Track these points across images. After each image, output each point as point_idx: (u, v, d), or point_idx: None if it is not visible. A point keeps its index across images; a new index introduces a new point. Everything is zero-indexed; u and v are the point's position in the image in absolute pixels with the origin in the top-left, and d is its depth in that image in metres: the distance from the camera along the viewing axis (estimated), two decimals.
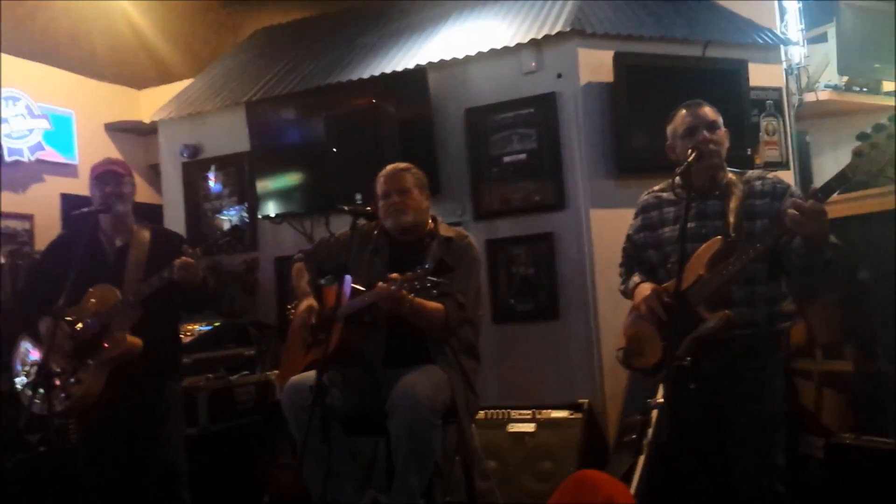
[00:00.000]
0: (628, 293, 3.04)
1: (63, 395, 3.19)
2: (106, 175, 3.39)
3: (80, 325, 3.23)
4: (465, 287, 3.13)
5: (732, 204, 2.77)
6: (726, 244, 2.70)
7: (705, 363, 2.65)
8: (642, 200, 3.09)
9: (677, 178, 2.79)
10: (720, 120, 2.87)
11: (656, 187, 3.06)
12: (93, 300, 3.27)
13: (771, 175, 2.87)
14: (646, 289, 2.87)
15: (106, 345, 3.19)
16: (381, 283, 2.92)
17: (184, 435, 3.48)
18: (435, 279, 2.78)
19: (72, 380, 3.20)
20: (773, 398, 2.79)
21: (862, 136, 2.41)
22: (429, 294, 2.82)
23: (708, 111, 2.86)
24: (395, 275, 2.88)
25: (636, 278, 2.99)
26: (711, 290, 2.67)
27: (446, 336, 3.11)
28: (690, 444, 2.81)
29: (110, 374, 3.19)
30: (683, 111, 2.89)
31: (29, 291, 3.52)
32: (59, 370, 3.20)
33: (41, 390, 3.03)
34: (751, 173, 2.89)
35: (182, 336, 4.11)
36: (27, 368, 3.35)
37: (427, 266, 2.82)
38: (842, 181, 2.43)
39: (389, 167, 3.31)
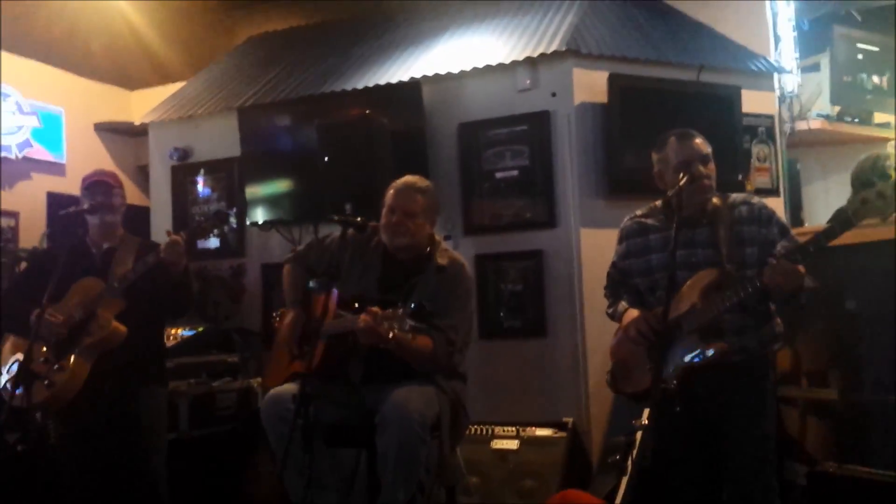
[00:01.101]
0: (616, 317, 3.03)
1: (46, 382, 3.17)
2: (96, 185, 3.42)
3: (66, 317, 3.23)
4: (455, 321, 3.09)
5: (722, 232, 2.77)
6: (720, 274, 2.70)
7: (698, 387, 2.66)
8: (625, 226, 3.08)
9: (658, 204, 2.81)
10: (710, 150, 2.85)
11: (639, 212, 3.04)
12: (76, 293, 3.29)
13: (755, 200, 2.88)
14: (634, 314, 2.87)
15: (90, 329, 3.20)
16: (362, 316, 2.88)
17: (165, 441, 3.46)
18: (413, 323, 2.76)
19: (55, 367, 3.19)
20: (768, 419, 2.79)
21: (863, 181, 2.44)
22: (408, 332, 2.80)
23: (700, 144, 2.83)
24: (375, 308, 2.84)
25: (624, 304, 2.98)
26: (706, 320, 2.68)
27: (433, 370, 3.07)
28: (679, 467, 2.81)
29: (94, 364, 3.18)
30: (674, 141, 2.85)
31: (16, 292, 3.50)
32: (42, 360, 3.21)
33: (21, 385, 3.02)
34: (734, 197, 2.88)
35: (165, 340, 4.08)
36: (10, 366, 3.31)
37: (408, 308, 2.78)
38: (845, 228, 2.45)
39: (405, 182, 3.21)
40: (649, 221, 2.97)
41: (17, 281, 3.72)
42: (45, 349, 3.23)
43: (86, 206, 3.40)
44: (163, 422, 3.46)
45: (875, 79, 5.64)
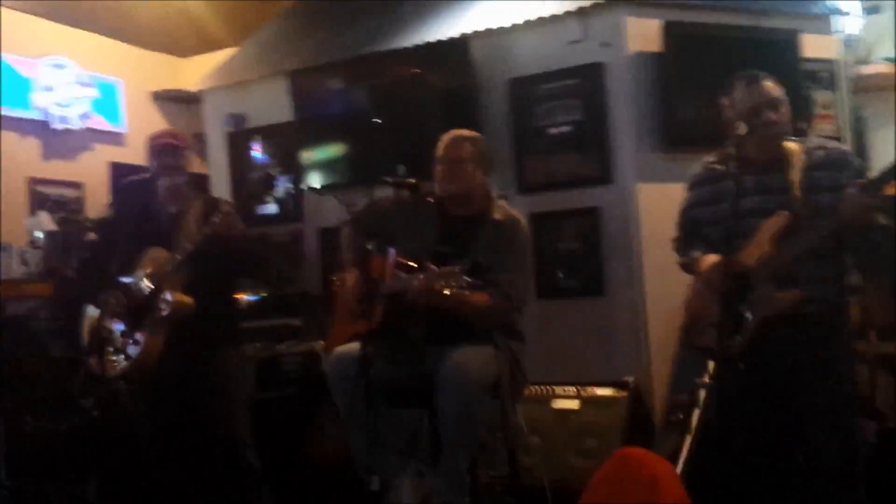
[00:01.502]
0: (690, 267, 2.94)
1: (122, 356, 3.27)
2: (164, 147, 3.43)
3: (136, 290, 3.29)
4: (513, 276, 3.09)
5: (795, 177, 2.67)
6: (793, 219, 2.61)
7: (772, 342, 2.60)
8: (695, 173, 2.99)
9: (732, 151, 2.71)
10: (782, 93, 2.76)
11: (710, 158, 2.94)
12: (146, 264, 3.33)
13: (831, 144, 2.79)
14: (712, 258, 2.77)
15: (158, 304, 3.25)
16: (419, 276, 2.89)
17: (245, 400, 3.49)
18: (468, 280, 2.76)
19: (129, 342, 3.27)
20: (846, 376, 2.72)
21: None
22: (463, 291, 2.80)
23: (770, 87, 2.75)
24: (433, 266, 2.86)
25: (698, 252, 2.89)
26: (778, 268, 2.60)
27: (491, 327, 3.08)
28: (748, 426, 2.75)
29: (168, 336, 3.24)
30: (742, 86, 2.76)
31: (88, 264, 3.59)
32: (118, 333, 3.29)
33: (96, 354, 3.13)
34: (811, 142, 2.80)
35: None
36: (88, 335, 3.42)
37: (464, 265, 2.80)
38: (886, 179, 2.40)
39: (451, 133, 3.26)
40: (720, 168, 2.87)
41: (88, 253, 3.80)
42: (118, 321, 3.31)
43: (153, 168, 3.43)
44: (239, 385, 3.47)
45: None
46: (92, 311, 3.42)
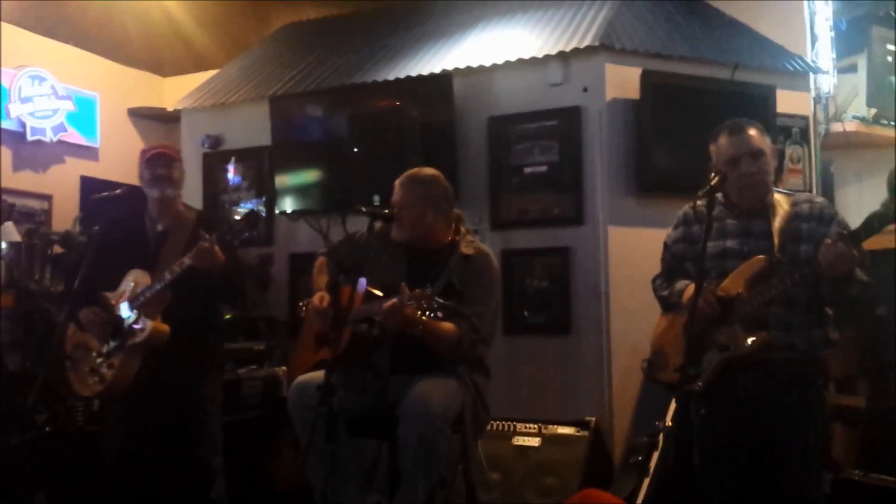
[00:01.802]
0: (672, 299, 2.93)
1: (97, 378, 3.23)
2: (157, 157, 3.39)
3: (115, 311, 3.25)
4: (480, 308, 3.08)
5: (777, 224, 2.70)
6: (769, 264, 2.64)
7: (741, 384, 2.61)
8: (684, 212, 3.00)
9: (719, 196, 2.75)
10: (766, 143, 2.78)
11: (698, 200, 2.90)
12: (125, 287, 3.29)
13: (818, 199, 2.80)
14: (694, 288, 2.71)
15: (135, 330, 3.20)
16: (391, 300, 2.88)
17: (220, 426, 3.43)
18: (441, 301, 2.75)
19: (106, 364, 3.23)
20: (814, 428, 2.68)
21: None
22: (435, 315, 2.79)
23: (752, 137, 2.75)
24: (404, 286, 2.84)
25: (682, 283, 2.90)
26: (749, 311, 2.62)
27: (457, 357, 3.08)
28: (711, 468, 2.74)
29: (144, 360, 3.19)
30: (726, 136, 2.78)
31: (81, 276, 3.55)
32: (94, 353, 3.25)
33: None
34: (798, 196, 2.82)
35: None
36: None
37: (437, 286, 2.79)
38: (870, 231, 2.41)
39: (405, 174, 3.22)
40: (706, 209, 2.83)
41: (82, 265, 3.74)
42: (97, 342, 3.27)
43: (145, 180, 3.39)
44: (217, 411, 3.42)
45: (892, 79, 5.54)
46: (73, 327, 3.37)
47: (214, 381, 3.45)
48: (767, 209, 2.75)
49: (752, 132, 2.77)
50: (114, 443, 3.37)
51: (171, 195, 3.41)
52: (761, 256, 2.66)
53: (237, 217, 3.11)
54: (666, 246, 3.04)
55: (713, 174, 2.68)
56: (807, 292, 2.64)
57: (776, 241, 2.67)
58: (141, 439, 3.30)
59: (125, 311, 3.24)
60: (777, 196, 2.79)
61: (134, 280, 3.28)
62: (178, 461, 3.29)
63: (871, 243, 2.51)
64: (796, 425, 2.64)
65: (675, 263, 3.00)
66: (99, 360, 3.24)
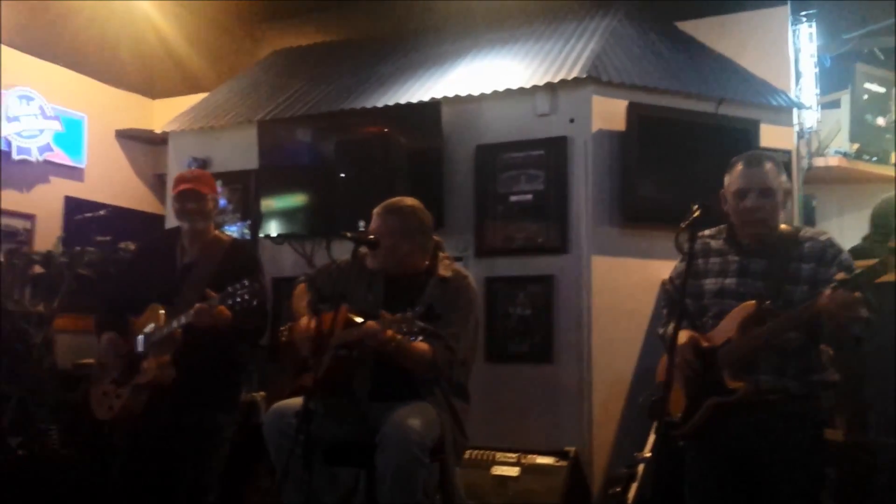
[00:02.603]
0: (666, 341, 2.85)
1: (108, 406, 3.25)
2: (187, 193, 3.39)
3: (131, 343, 3.28)
4: (457, 330, 3.08)
5: (775, 265, 2.66)
6: (759, 310, 2.59)
7: (732, 426, 2.59)
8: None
9: (724, 227, 2.74)
10: (781, 180, 2.71)
11: (706, 232, 2.87)
12: (147, 317, 3.30)
13: (824, 237, 2.71)
14: (682, 337, 2.70)
15: (142, 368, 3.21)
16: (370, 322, 2.89)
17: (222, 463, 3.41)
18: (422, 325, 2.76)
19: (116, 394, 3.25)
20: (810, 472, 2.63)
21: (880, 224, 2.32)
22: (416, 338, 2.80)
23: (766, 173, 2.68)
24: (385, 313, 2.86)
25: (670, 326, 2.80)
26: (739, 356, 2.60)
27: (432, 378, 3.06)
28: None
29: (154, 395, 3.19)
30: (741, 166, 2.72)
31: (113, 293, 3.59)
32: (109, 381, 3.28)
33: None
34: (805, 232, 2.75)
35: None
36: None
37: (417, 310, 2.79)
38: (872, 276, 2.37)
39: (382, 204, 3.24)
40: (713, 243, 2.84)
41: (115, 282, 3.73)
42: (115, 370, 3.30)
43: (176, 211, 3.42)
44: (219, 451, 3.39)
45: (880, 120, 5.62)
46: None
47: (224, 419, 3.41)
48: (768, 246, 2.70)
49: (768, 167, 2.69)
50: (118, 471, 3.37)
51: (201, 228, 3.42)
52: (752, 302, 2.62)
53: (241, 284, 3.06)
54: (671, 280, 2.97)
55: (695, 207, 2.64)
56: (801, 336, 2.59)
57: (771, 284, 2.63)
58: (143, 470, 3.29)
59: (140, 346, 3.25)
60: (782, 232, 2.73)
61: (152, 315, 3.29)
62: (178, 493, 3.27)
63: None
64: (788, 467, 2.59)
65: (678, 297, 2.88)
66: (111, 387, 3.28)
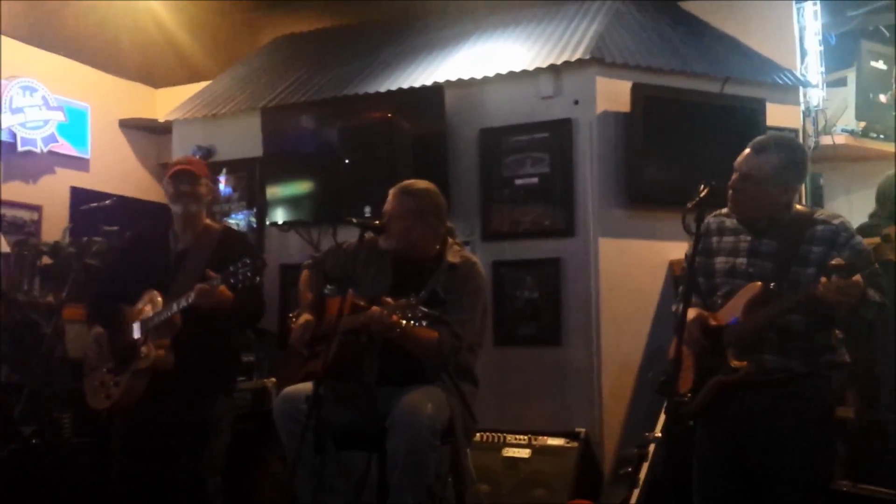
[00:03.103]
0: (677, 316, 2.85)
1: (104, 395, 3.24)
2: (181, 173, 3.37)
3: (128, 330, 3.26)
4: (464, 316, 3.08)
5: (784, 246, 2.67)
6: (765, 292, 2.60)
7: (737, 405, 2.61)
8: (707, 222, 2.87)
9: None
10: (762, 167, 2.68)
11: (723, 210, 2.88)
12: (144, 304, 3.28)
13: (837, 221, 2.68)
14: (691, 314, 2.71)
15: (141, 353, 3.19)
16: (374, 307, 2.89)
17: (223, 449, 3.40)
18: (426, 310, 2.76)
19: (114, 382, 3.23)
20: (814, 450, 2.62)
21: (884, 200, 2.31)
22: (420, 324, 2.80)
23: (746, 159, 2.71)
24: (388, 299, 2.86)
25: (677, 304, 2.86)
26: (744, 336, 2.61)
27: (439, 363, 3.07)
28: (707, 484, 2.74)
29: (152, 381, 3.18)
30: (747, 150, 2.75)
31: (103, 284, 3.55)
32: (106, 370, 3.26)
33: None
34: (818, 215, 2.73)
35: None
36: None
37: (421, 295, 2.80)
38: (867, 262, 2.39)
39: (399, 185, 3.24)
40: (728, 222, 2.85)
41: (104, 272, 3.71)
42: (110, 359, 3.28)
43: (170, 196, 3.37)
44: (225, 429, 3.39)
45: (882, 97, 5.60)
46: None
47: (222, 405, 3.40)
48: (781, 229, 2.70)
49: (747, 151, 2.73)
50: (117, 459, 3.34)
51: (194, 211, 3.38)
52: (758, 283, 2.63)
53: (242, 262, 3.05)
54: (686, 256, 2.95)
55: (702, 186, 2.66)
56: (805, 319, 2.59)
57: (778, 265, 2.65)
58: (141, 457, 3.27)
59: (137, 332, 3.24)
60: (796, 214, 2.73)
61: (149, 301, 3.27)
62: (177, 480, 3.26)
63: None
64: (791, 447, 2.60)
65: (688, 275, 2.87)
66: (107, 376, 3.26)
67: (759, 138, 2.79)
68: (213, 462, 3.33)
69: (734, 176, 2.72)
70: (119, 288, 3.36)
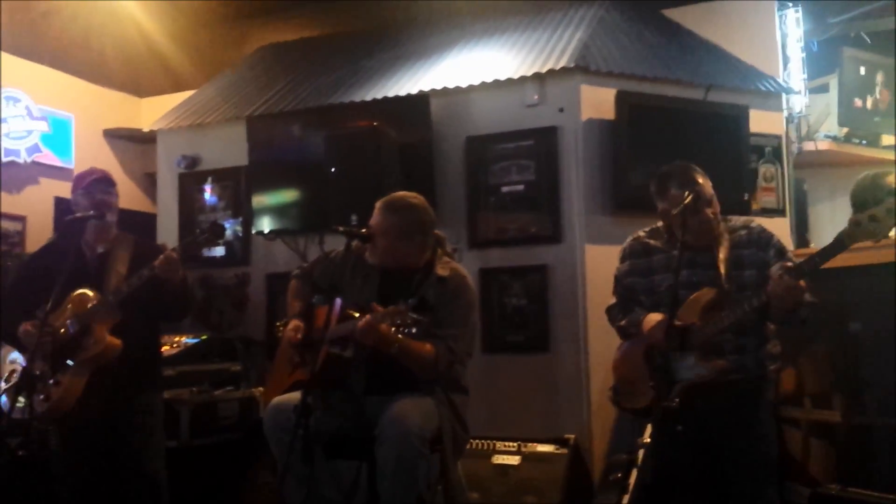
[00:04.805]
0: (630, 329, 3.08)
1: (42, 397, 3.18)
2: (100, 182, 3.37)
3: (62, 329, 3.21)
4: (457, 330, 3.08)
5: (722, 254, 2.89)
6: (719, 294, 2.80)
7: (699, 406, 2.68)
8: (628, 245, 3.19)
9: (660, 226, 3.03)
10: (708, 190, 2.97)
11: (641, 233, 3.17)
12: (70, 304, 3.26)
13: (754, 224, 3.00)
14: (657, 316, 2.95)
15: (85, 344, 3.17)
16: (365, 316, 2.89)
17: (163, 447, 3.42)
18: (416, 317, 2.76)
19: (51, 381, 3.18)
20: (767, 441, 2.89)
21: (860, 201, 2.49)
22: (410, 331, 2.79)
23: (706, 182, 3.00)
24: (376, 306, 2.86)
25: (639, 313, 3.06)
26: (705, 339, 2.76)
27: (433, 378, 3.07)
28: (680, 485, 2.83)
29: (90, 377, 3.17)
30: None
31: (11, 299, 3.49)
32: (38, 373, 3.20)
33: (23, 394, 3.04)
34: (734, 223, 3.01)
35: (168, 347, 4.08)
36: (7, 374, 3.32)
37: (410, 302, 2.80)
38: (838, 249, 2.49)
39: (384, 199, 3.20)
40: (652, 242, 3.09)
41: (10, 290, 3.68)
42: (41, 361, 3.21)
43: (84, 207, 3.33)
44: (159, 426, 3.41)
45: (859, 101, 5.68)
46: (10, 352, 3.33)
47: (155, 399, 3.43)
48: (710, 239, 2.93)
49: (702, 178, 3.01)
50: (60, 465, 3.34)
51: (111, 221, 3.39)
52: (712, 289, 2.82)
53: (200, 229, 3.09)
54: (617, 279, 3.22)
55: (686, 193, 2.77)
56: (755, 316, 2.79)
57: (723, 270, 2.86)
58: (85, 460, 3.27)
59: (72, 326, 3.20)
60: (718, 226, 2.97)
61: (78, 299, 3.25)
62: (125, 480, 3.25)
63: (845, 260, 2.55)
64: (749, 438, 2.84)
65: (628, 295, 3.17)
66: (44, 379, 3.20)
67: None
68: (157, 457, 3.34)
69: (691, 200, 2.81)
70: (30, 303, 3.26)
